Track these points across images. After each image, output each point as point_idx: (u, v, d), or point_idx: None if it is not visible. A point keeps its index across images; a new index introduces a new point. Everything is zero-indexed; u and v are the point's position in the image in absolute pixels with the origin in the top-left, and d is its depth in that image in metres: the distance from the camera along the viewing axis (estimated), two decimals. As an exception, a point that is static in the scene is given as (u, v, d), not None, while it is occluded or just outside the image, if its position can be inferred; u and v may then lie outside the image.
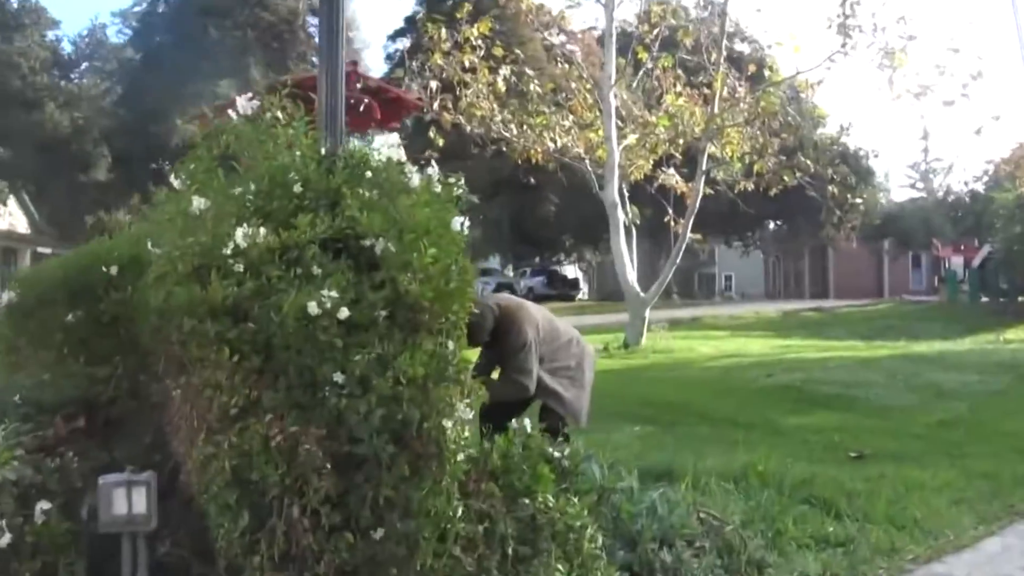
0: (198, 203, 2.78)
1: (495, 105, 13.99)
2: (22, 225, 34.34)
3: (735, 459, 5.49)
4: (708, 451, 6.17)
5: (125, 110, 31.66)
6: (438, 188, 3.05)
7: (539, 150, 13.93)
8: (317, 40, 4.39)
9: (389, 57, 33.35)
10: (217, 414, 2.53)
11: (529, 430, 3.24)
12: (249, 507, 2.53)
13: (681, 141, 14.22)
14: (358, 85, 5.73)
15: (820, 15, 27.22)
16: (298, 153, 2.85)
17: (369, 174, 2.92)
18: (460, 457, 2.62)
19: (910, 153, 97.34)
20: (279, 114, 2.99)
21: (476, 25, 14.67)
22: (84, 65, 40.73)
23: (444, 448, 2.59)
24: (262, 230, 2.68)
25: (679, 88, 14.72)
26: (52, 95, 30.67)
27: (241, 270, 2.68)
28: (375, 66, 33.04)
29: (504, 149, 14.56)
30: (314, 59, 27.24)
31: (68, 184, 32.49)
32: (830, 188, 14.72)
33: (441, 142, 15.50)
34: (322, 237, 2.75)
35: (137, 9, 38.02)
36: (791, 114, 14.61)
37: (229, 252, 2.67)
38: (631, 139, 14.95)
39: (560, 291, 36.79)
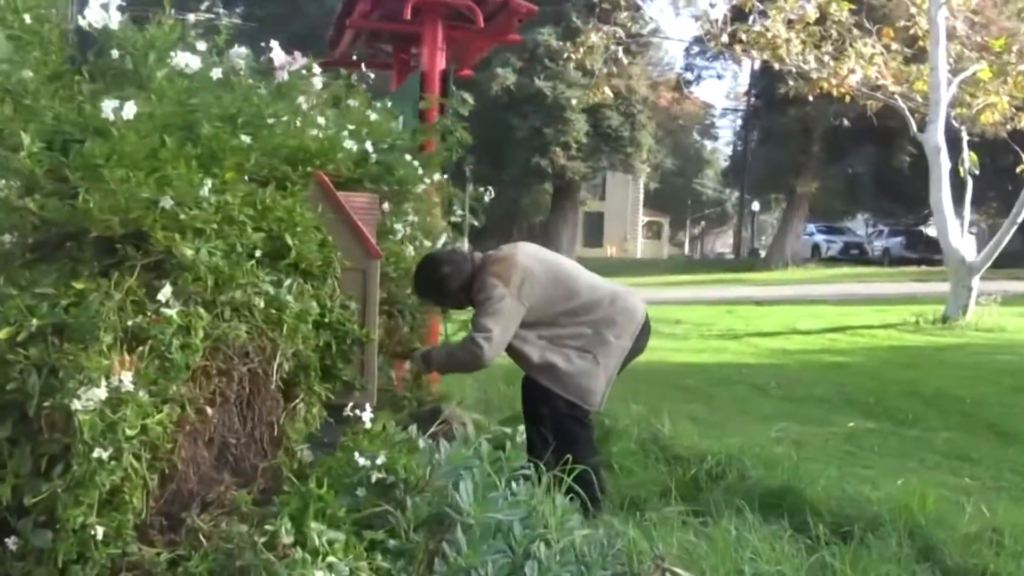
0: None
1: (791, 34, 12.04)
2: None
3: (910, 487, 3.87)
4: (900, 470, 4.53)
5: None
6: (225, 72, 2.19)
7: (833, 83, 11.75)
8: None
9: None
10: None
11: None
12: None
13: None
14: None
15: None
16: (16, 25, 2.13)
17: (116, 54, 2.14)
18: (101, 455, 1.77)
19: None
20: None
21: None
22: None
23: (76, 440, 1.78)
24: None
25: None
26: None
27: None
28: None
29: (792, 83, 12.56)
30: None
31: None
32: None
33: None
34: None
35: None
36: None
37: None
38: (977, 69, 12.16)
39: (922, 254, 32.24)
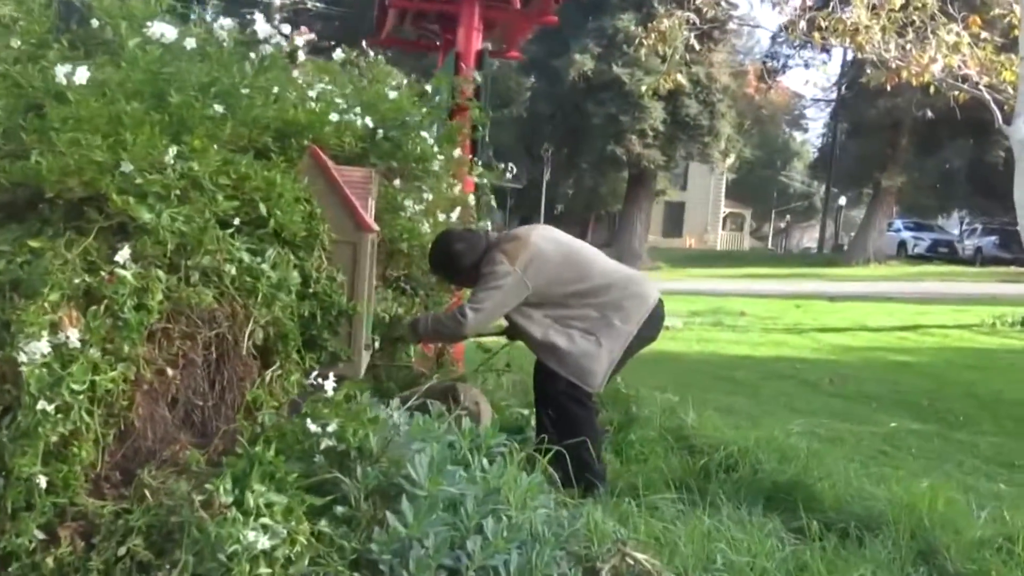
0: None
1: (872, 21, 11.56)
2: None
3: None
4: (931, 472, 4.37)
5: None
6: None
7: (913, 72, 11.24)
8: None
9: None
10: None
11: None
12: None
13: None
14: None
15: None
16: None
17: (96, 23, 2.21)
18: (45, 407, 1.84)
19: None
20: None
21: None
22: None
23: (23, 392, 1.85)
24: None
25: None
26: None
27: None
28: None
29: (870, 71, 12.10)
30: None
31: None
32: None
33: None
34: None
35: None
36: None
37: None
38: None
39: (1017, 254, 30.82)
